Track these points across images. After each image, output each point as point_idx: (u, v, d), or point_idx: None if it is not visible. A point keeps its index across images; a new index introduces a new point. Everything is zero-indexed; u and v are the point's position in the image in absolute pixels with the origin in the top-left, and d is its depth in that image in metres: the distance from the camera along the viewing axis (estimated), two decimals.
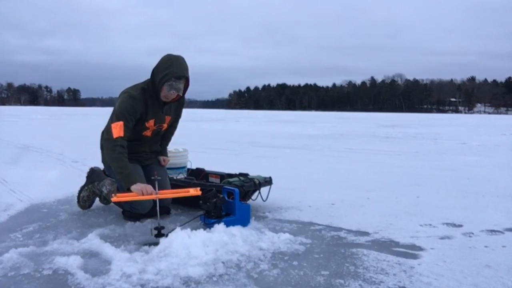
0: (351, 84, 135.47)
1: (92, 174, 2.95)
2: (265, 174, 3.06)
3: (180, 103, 2.86)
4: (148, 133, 2.74)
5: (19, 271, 1.84)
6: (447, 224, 2.65)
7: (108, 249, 2.05)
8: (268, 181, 2.96)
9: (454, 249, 2.16)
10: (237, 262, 1.95)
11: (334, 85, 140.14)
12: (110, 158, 2.49)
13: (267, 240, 2.23)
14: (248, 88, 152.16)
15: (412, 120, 28.78)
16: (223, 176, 3.18)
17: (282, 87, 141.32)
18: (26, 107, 76.46)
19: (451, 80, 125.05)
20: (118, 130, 2.48)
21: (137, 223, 2.60)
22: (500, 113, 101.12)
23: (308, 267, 1.91)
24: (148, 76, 2.64)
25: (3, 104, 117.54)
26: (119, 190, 2.63)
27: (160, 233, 2.18)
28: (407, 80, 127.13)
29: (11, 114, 30.60)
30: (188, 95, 2.82)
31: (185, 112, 3.10)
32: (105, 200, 2.98)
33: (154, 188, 2.35)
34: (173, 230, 2.18)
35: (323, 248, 2.18)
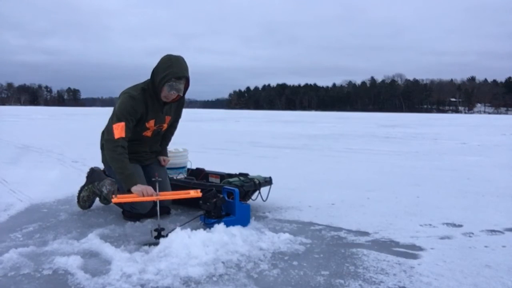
0: (351, 84, 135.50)
1: (92, 174, 2.95)
2: (265, 174, 3.06)
3: (180, 103, 2.86)
4: (148, 133, 2.74)
5: (19, 271, 1.84)
6: (447, 224, 2.65)
7: (108, 249, 2.05)
8: (268, 181, 2.96)
9: (454, 249, 2.16)
10: (237, 262, 1.95)
11: (334, 85, 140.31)
12: (111, 158, 2.49)
13: (267, 240, 2.23)
14: (248, 88, 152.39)
15: (412, 120, 28.78)
16: (223, 176, 3.18)
17: (282, 87, 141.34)
18: (26, 107, 76.47)
19: (451, 80, 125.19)
20: (119, 130, 2.48)
21: (137, 223, 2.60)
22: (500, 113, 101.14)
23: (308, 267, 1.91)
24: (148, 76, 2.64)
25: (3, 104, 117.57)
26: (120, 190, 2.63)
27: (160, 234, 2.18)
28: (407, 80, 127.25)
29: (11, 114, 30.60)
30: (188, 95, 2.82)
31: (185, 112, 3.10)
32: (105, 200, 2.98)
33: (155, 189, 2.35)
34: (173, 230, 2.18)
35: (323, 248, 2.18)
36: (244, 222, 2.47)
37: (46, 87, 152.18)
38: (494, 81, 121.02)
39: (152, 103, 2.64)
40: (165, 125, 2.83)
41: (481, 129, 16.61)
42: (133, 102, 2.55)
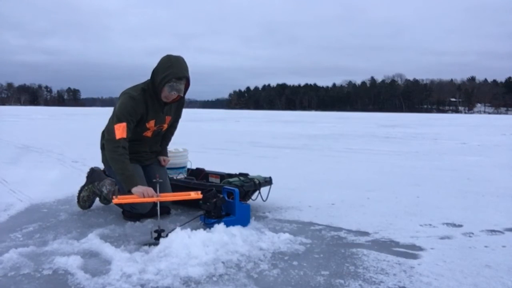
0: (351, 84, 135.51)
1: (92, 174, 2.95)
2: (265, 174, 3.06)
3: (180, 103, 2.86)
4: (148, 133, 2.74)
5: (19, 271, 1.84)
6: (447, 224, 2.65)
7: (108, 249, 2.05)
8: (268, 181, 2.96)
9: (454, 249, 2.16)
10: (237, 262, 1.95)
11: (334, 85, 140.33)
12: (111, 159, 2.49)
13: (267, 240, 2.23)
14: (248, 88, 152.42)
15: (412, 120, 28.78)
16: (223, 176, 3.18)
17: (282, 87, 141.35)
18: (26, 107, 76.48)
19: (451, 80, 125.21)
20: (121, 131, 2.48)
21: (137, 223, 2.60)
22: (500, 113, 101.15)
23: (308, 267, 1.91)
24: (148, 76, 2.65)
25: (3, 104, 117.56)
26: (120, 191, 2.63)
27: (160, 236, 2.18)
28: (407, 80, 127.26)
29: (11, 114, 30.60)
30: (188, 95, 2.82)
31: (185, 112, 3.10)
32: (105, 200, 2.98)
33: (155, 190, 2.35)
34: (173, 230, 2.18)
35: (323, 248, 2.18)
36: (244, 222, 2.47)
37: (46, 87, 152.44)
38: (494, 81, 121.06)
39: (152, 104, 2.64)
40: (165, 125, 2.83)
41: (481, 129, 16.61)
42: (133, 103, 2.55)
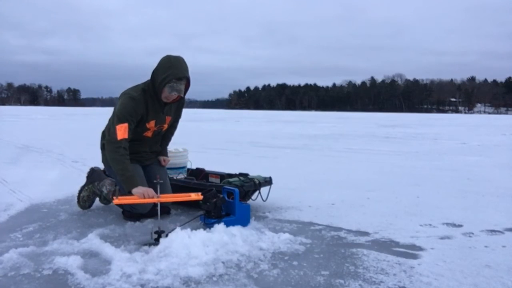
0: (351, 84, 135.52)
1: (92, 174, 2.95)
2: (265, 174, 3.06)
3: (180, 104, 2.86)
4: (149, 133, 2.74)
5: (19, 271, 1.84)
6: (447, 224, 2.65)
7: (108, 249, 2.05)
8: (268, 181, 2.97)
9: (454, 249, 2.16)
10: (237, 262, 1.95)
11: (334, 85, 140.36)
12: (112, 159, 2.49)
13: (267, 240, 2.23)
14: (248, 88, 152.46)
15: (412, 120, 28.78)
16: (223, 176, 3.18)
17: (282, 87, 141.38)
18: (26, 107, 76.48)
19: (451, 80, 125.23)
20: (122, 132, 2.48)
21: (137, 223, 2.60)
22: (500, 113, 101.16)
23: (308, 267, 1.91)
24: (148, 77, 2.64)
25: (3, 104, 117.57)
26: (121, 191, 2.63)
27: (160, 237, 2.17)
28: (407, 80, 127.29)
29: (11, 114, 30.60)
30: (188, 95, 2.83)
31: (185, 112, 3.10)
32: (105, 200, 2.98)
33: (156, 191, 2.35)
34: (173, 230, 2.18)
35: (323, 248, 2.18)
36: (244, 222, 2.47)
37: (46, 87, 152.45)
38: (494, 81, 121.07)
39: (153, 104, 2.64)
40: (166, 126, 2.83)
41: (481, 129, 16.61)
42: (133, 103, 2.55)
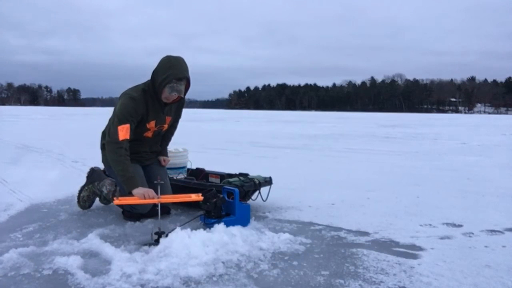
0: (351, 84, 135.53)
1: (92, 174, 2.95)
2: (265, 174, 3.06)
3: (180, 104, 2.86)
4: (149, 134, 2.74)
5: (19, 271, 1.84)
6: (447, 224, 2.65)
7: (108, 249, 2.05)
8: (268, 181, 2.96)
9: (454, 249, 2.16)
10: (237, 262, 1.95)
11: (334, 85, 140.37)
12: (113, 160, 2.49)
13: (267, 240, 2.23)
14: (248, 88, 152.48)
15: (412, 120, 28.78)
16: (223, 176, 3.18)
17: (282, 87, 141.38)
18: (26, 107, 76.47)
19: (451, 80, 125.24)
20: (124, 132, 2.48)
21: (137, 223, 2.60)
22: (500, 113, 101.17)
23: (308, 267, 1.91)
24: (148, 77, 2.64)
25: (3, 104, 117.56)
26: (121, 191, 2.63)
27: (160, 238, 2.17)
28: (407, 80, 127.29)
29: (11, 114, 30.60)
30: (188, 95, 2.83)
31: (185, 112, 3.10)
32: (105, 200, 2.98)
33: (156, 192, 2.35)
34: (173, 230, 2.18)
35: (323, 248, 2.18)
36: (244, 222, 2.47)
37: (46, 87, 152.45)
38: (494, 81, 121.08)
39: (153, 104, 2.64)
40: (166, 126, 2.83)
41: (481, 129, 16.61)
42: (134, 103, 2.55)
